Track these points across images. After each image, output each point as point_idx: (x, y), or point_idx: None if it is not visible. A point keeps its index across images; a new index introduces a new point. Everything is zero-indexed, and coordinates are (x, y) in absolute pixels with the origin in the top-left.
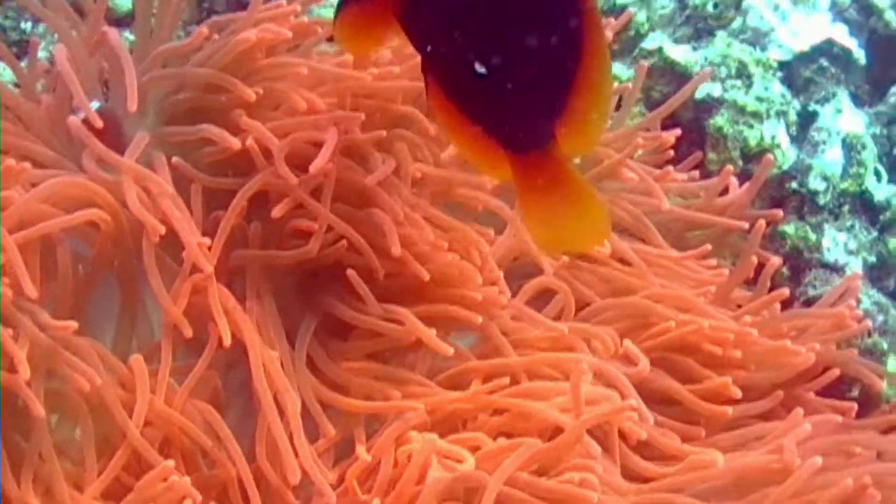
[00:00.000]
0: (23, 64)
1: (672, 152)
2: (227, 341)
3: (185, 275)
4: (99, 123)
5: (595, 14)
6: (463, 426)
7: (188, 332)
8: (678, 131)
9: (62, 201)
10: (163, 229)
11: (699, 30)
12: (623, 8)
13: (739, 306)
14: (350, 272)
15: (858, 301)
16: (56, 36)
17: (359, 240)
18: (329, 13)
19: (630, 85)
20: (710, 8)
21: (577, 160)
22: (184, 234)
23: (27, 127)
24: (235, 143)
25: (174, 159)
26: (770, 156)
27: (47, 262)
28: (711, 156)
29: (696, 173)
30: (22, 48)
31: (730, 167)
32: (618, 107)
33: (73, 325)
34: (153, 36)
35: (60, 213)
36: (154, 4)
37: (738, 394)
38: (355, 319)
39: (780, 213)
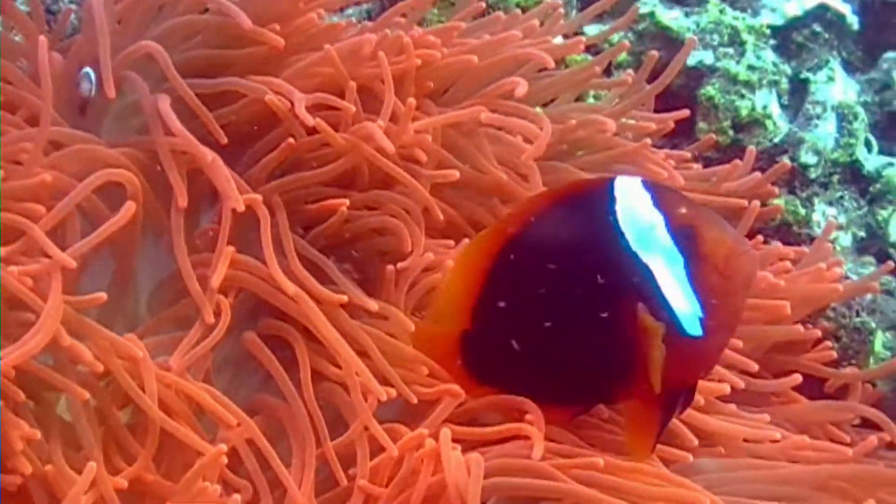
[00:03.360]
0: None
1: (672, 124)
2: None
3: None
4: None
5: None
6: None
7: (209, 318)
8: (686, 112)
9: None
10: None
11: None
12: None
13: None
14: None
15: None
16: None
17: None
18: None
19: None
20: None
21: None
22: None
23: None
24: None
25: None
26: (785, 160)
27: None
28: (702, 125)
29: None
30: None
31: (738, 161)
32: (607, 71)
33: (103, 296)
34: None
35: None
36: None
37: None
38: None
39: (775, 190)
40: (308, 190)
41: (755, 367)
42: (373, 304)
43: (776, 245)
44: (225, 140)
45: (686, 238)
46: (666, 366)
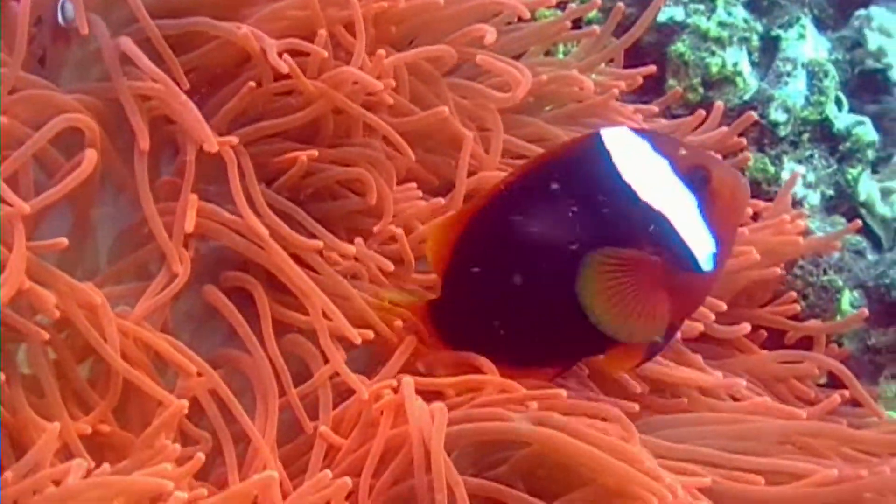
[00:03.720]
0: None
1: (640, 80)
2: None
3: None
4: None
5: None
6: None
7: (176, 268)
8: (653, 68)
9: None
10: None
11: None
12: None
13: None
14: None
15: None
16: None
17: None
18: None
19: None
20: None
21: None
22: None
23: None
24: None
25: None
26: (752, 114)
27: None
28: (672, 82)
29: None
30: None
31: (702, 111)
32: (576, 25)
33: (64, 241)
34: None
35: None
36: None
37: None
38: None
39: (742, 141)
40: (271, 144)
41: (723, 306)
42: (349, 248)
43: None
44: (187, 86)
45: (696, 178)
46: (679, 302)
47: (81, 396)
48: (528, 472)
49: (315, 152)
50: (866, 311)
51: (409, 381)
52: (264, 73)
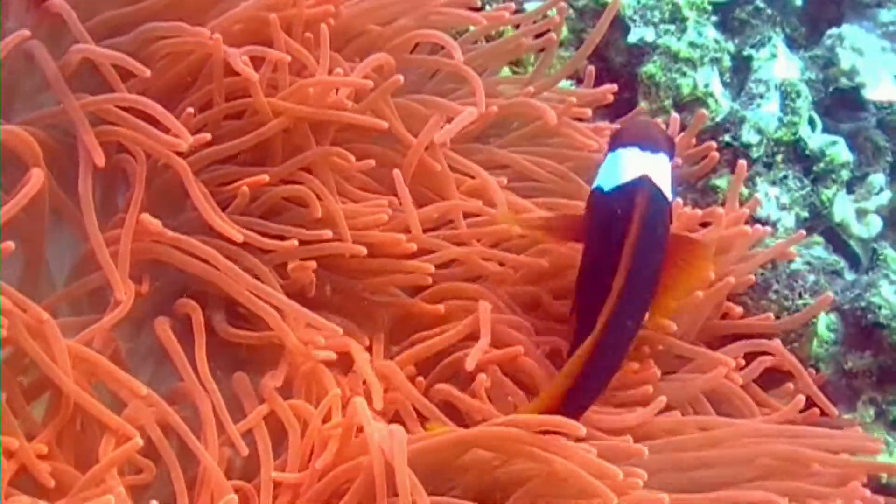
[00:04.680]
0: None
1: (611, 97)
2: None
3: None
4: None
5: None
6: None
7: (119, 295)
8: (615, 87)
9: None
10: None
11: None
12: None
13: None
14: None
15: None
16: None
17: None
18: None
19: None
20: None
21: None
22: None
23: None
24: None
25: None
26: (704, 111)
27: None
28: (643, 104)
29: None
30: None
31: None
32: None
33: (10, 245)
34: None
35: None
36: None
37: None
38: None
39: (716, 156)
40: (221, 169)
41: (673, 326)
42: (326, 233)
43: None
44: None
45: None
46: None
47: (32, 436)
48: (479, 493)
49: (265, 177)
50: (831, 295)
51: (360, 400)
52: (217, 90)
